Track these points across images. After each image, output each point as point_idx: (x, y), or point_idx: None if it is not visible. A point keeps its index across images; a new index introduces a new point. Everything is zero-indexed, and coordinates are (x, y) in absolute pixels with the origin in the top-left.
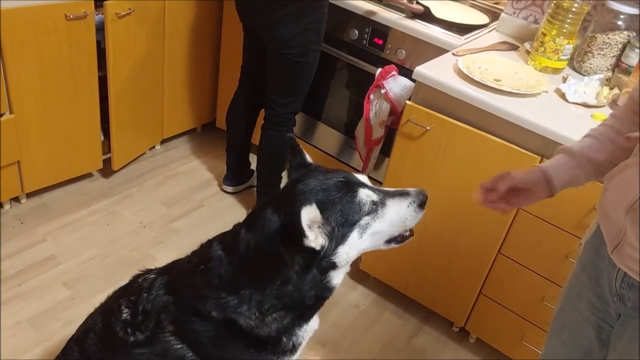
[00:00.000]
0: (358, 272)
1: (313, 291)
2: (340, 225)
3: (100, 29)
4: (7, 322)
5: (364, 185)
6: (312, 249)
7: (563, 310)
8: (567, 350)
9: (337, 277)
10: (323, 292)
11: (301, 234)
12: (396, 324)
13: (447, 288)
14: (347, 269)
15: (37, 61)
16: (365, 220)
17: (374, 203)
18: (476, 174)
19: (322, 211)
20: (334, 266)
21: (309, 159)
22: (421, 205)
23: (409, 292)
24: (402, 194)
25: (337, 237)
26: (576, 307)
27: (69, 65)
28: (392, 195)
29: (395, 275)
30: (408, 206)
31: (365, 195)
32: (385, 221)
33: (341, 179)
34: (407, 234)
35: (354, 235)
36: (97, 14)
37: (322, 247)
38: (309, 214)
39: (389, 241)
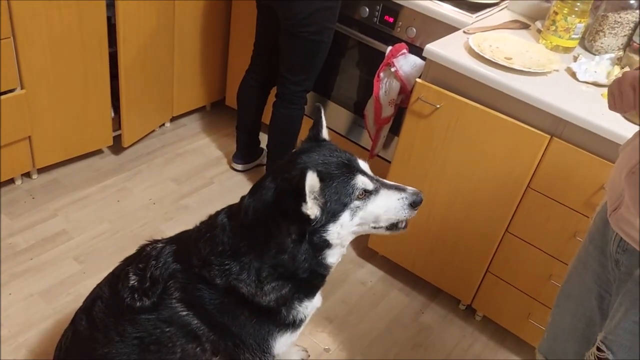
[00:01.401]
0: (366, 249)
1: (307, 264)
2: (333, 202)
3: (110, 5)
4: (20, 294)
5: (363, 172)
6: (307, 218)
7: (569, 280)
8: (572, 320)
9: (332, 256)
10: (318, 268)
11: (302, 198)
12: (403, 302)
13: (454, 266)
14: (342, 250)
15: (48, 37)
16: (355, 204)
17: (367, 191)
18: (486, 153)
19: (320, 181)
20: (327, 244)
21: (324, 134)
22: (413, 204)
23: (416, 270)
24: (398, 189)
25: (329, 212)
26: (582, 277)
27: (80, 42)
28: (388, 187)
29: (403, 253)
30: (398, 200)
31: (361, 182)
32: (374, 210)
33: (344, 160)
34: (401, 225)
35: (345, 216)
36: None
37: (315, 217)
38: (311, 180)
39: (377, 227)
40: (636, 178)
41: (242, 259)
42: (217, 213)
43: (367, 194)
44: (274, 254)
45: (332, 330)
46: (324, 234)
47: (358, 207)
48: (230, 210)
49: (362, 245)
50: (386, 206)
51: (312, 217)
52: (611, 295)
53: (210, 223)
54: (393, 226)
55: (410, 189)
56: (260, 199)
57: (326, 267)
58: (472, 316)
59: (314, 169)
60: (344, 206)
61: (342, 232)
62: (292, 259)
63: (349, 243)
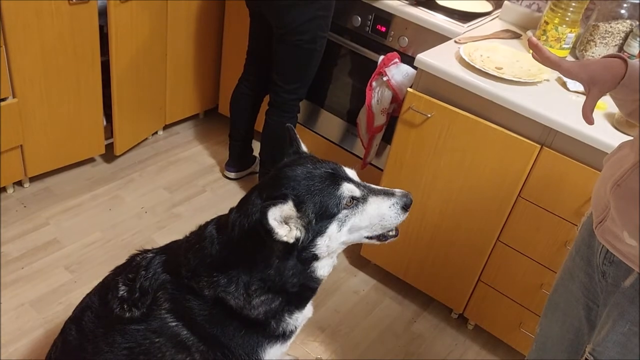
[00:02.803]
0: (359, 258)
1: (296, 279)
2: (319, 217)
3: (102, 13)
4: (11, 304)
5: (349, 179)
6: (286, 242)
7: (557, 290)
8: (560, 330)
9: (322, 268)
10: (308, 281)
11: (270, 231)
12: (395, 310)
13: (446, 275)
14: (333, 260)
15: (40, 45)
16: (344, 213)
17: (354, 198)
18: (476, 162)
19: (300, 203)
20: (315, 257)
21: (303, 148)
22: (404, 207)
23: (409, 278)
24: (387, 194)
25: (315, 229)
26: (569, 287)
27: (72, 50)
28: (377, 193)
29: (396, 262)
30: (390, 207)
31: (348, 189)
32: (364, 217)
33: (329, 170)
34: (392, 233)
35: (332, 228)
36: None
37: (298, 239)
38: (281, 212)
39: (369, 237)
40: (622, 190)
41: (230, 271)
42: (207, 224)
43: (355, 201)
44: (262, 268)
45: (324, 339)
46: (312, 249)
47: (347, 216)
48: (219, 222)
49: (355, 253)
50: (380, 215)
51: (292, 241)
52: (598, 306)
53: (200, 234)
54: (382, 236)
55: (398, 191)
56: (245, 215)
57: (317, 280)
58: (464, 325)
59: (289, 196)
60: (331, 218)
61: (331, 244)
62: (279, 274)
63: (339, 253)
